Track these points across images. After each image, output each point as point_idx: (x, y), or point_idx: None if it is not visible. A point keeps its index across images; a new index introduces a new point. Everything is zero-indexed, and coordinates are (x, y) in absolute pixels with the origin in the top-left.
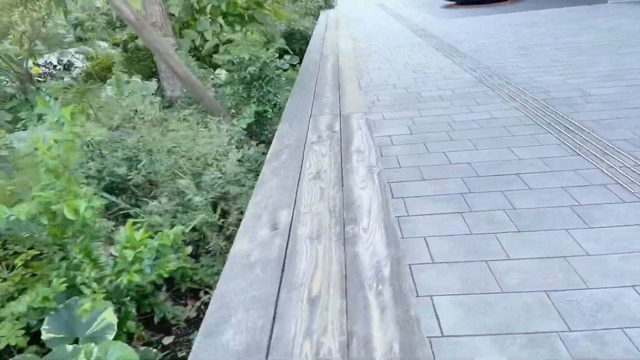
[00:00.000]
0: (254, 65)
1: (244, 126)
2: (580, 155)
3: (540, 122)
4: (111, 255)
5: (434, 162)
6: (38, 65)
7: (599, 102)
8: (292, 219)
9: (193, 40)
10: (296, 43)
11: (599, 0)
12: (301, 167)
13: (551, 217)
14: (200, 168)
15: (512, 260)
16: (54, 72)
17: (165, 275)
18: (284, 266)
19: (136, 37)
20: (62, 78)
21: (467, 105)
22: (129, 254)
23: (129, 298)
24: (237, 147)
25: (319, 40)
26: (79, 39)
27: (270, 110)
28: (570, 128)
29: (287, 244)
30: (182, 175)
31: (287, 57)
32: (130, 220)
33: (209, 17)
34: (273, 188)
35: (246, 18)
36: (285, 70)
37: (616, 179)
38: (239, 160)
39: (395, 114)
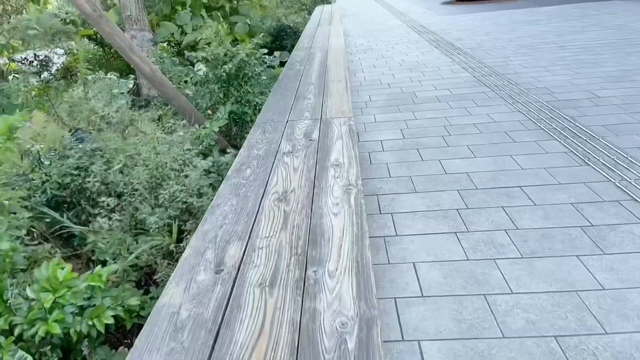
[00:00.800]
0: (230, 63)
1: (216, 129)
2: (589, 165)
3: (545, 127)
4: (27, 298)
5: (427, 172)
6: (14, 60)
7: (608, 104)
8: (242, 257)
9: (172, 34)
10: (287, 39)
11: None
12: (266, 185)
13: (560, 239)
14: (159, 180)
15: (515, 294)
16: (31, 68)
17: (100, 329)
18: (219, 331)
19: None
20: (39, 74)
21: (465, 107)
22: (47, 300)
23: (49, 347)
24: (204, 154)
25: (309, 36)
26: (56, 34)
27: (250, 112)
28: (578, 134)
29: (230, 294)
30: (139, 188)
31: (277, 53)
32: (55, 260)
33: (189, 10)
34: (228, 213)
35: (228, 11)
36: (273, 68)
37: (631, 193)
38: (206, 170)
39: (387, 116)
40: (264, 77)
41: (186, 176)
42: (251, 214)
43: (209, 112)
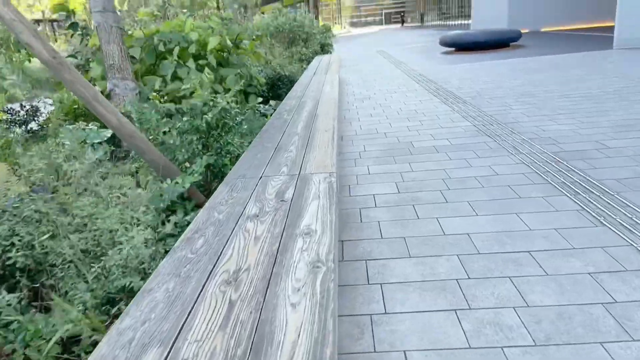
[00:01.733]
0: (211, 112)
1: (187, 185)
2: (606, 225)
3: (553, 181)
4: None
5: (424, 232)
6: (3, 111)
7: (620, 156)
8: None
9: (154, 85)
10: (283, 88)
11: (604, 47)
12: (217, 261)
13: (579, 321)
14: (99, 249)
15: None
16: (18, 118)
17: None
18: None
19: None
20: (25, 124)
21: (465, 158)
22: None
23: None
24: (173, 210)
25: (302, 85)
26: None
27: (230, 164)
28: (590, 189)
29: None
30: (74, 260)
31: (273, 102)
32: None
33: (176, 60)
34: (159, 302)
35: (216, 60)
36: (267, 117)
37: None
38: (168, 236)
39: (382, 168)
40: (246, 127)
41: (133, 247)
42: (187, 303)
43: (187, 165)
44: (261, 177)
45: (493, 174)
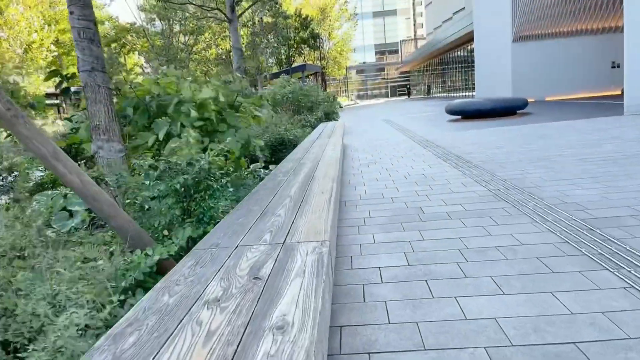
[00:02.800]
0: (188, 173)
1: (154, 260)
2: None
3: (588, 252)
4: None
5: (440, 315)
6: None
7: None
8: None
9: (147, 143)
10: (285, 152)
11: (614, 113)
12: None
13: None
14: (30, 340)
15: None
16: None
17: None
18: None
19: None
20: (8, 192)
21: (483, 225)
22: None
23: None
24: (146, 288)
25: (304, 148)
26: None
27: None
28: (634, 261)
29: None
30: None
31: (273, 167)
32: None
33: (168, 120)
34: None
35: (216, 123)
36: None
37: None
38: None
39: (389, 236)
40: (231, 189)
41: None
42: None
43: (166, 232)
44: (237, 247)
45: (517, 244)
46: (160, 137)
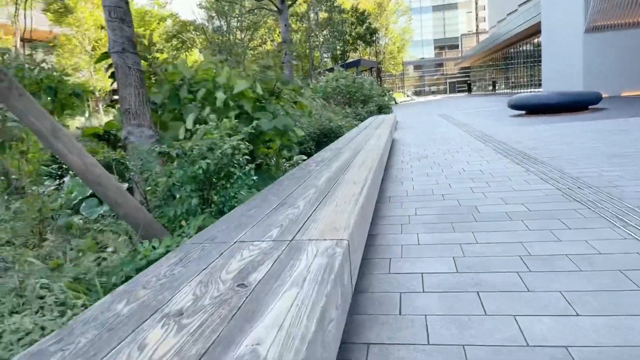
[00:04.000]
0: (209, 158)
1: (160, 251)
2: None
3: None
4: None
5: (495, 339)
6: None
7: None
8: None
9: (177, 133)
10: (329, 143)
11: None
12: None
13: None
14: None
15: None
16: None
17: None
18: None
19: None
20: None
21: (550, 229)
22: None
23: None
24: None
25: (347, 138)
26: None
27: None
28: None
29: None
30: None
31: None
32: None
33: (200, 104)
34: None
35: (252, 110)
36: None
37: None
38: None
39: (436, 237)
40: (255, 178)
41: None
42: None
43: (183, 223)
44: (234, 243)
45: (594, 252)
46: (189, 124)
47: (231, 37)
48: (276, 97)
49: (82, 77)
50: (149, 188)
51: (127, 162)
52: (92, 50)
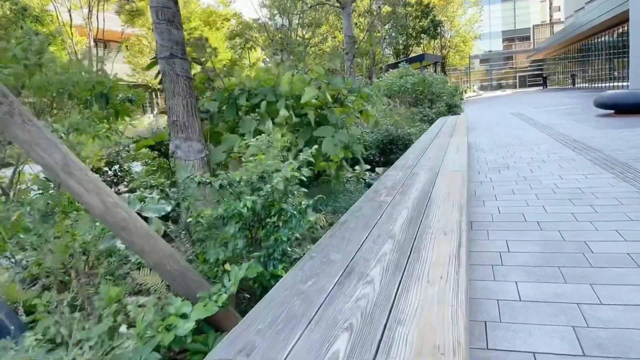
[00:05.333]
0: (257, 194)
1: (190, 326)
2: None
3: None
4: None
5: None
6: None
7: None
8: None
9: (232, 146)
10: (397, 152)
11: None
12: None
13: None
14: None
15: None
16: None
17: None
18: None
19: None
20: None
21: None
22: None
23: None
24: None
25: (418, 150)
26: None
27: (284, 273)
28: None
29: None
30: None
31: (380, 170)
32: None
33: (258, 117)
34: None
35: (314, 121)
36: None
37: None
38: None
39: (542, 290)
40: (313, 216)
41: None
42: None
43: (223, 269)
44: None
45: None
46: (248, 138)
47: (293, 34)
48: (341, 104)
49: (150, 76)
50: (190, 219)
51: (166, 188)
52: None
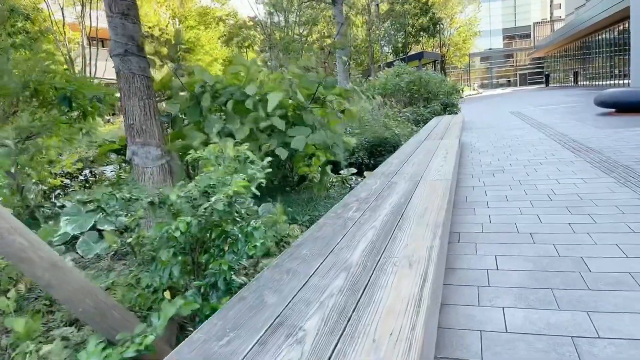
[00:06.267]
0: (195, 213)
1: None
2: None
3: None
4: None
5: None
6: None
7: None
8: None
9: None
10: (386, 155)
11: None
12: None
13: None
14: None
15: None
16: None
17: None
18: None
19: None
20: None
21: None
22: None
23: None
24: None
25: (404, 154)
26: None
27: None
28: None
29: None
30: None
31: (367, 174)
32: None
33: (222, 115)
34: None
35: (289, 122)
36: None
37: None
38: None
39: (531, 320)
40: (261, 240)
41: None
42: None
43: (168, 297)
44: None
45: None
46: (213, 137)
47: (290, 32)
48: (321, 104)
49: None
50: (131, 240)
51: (102, 204)
52: None
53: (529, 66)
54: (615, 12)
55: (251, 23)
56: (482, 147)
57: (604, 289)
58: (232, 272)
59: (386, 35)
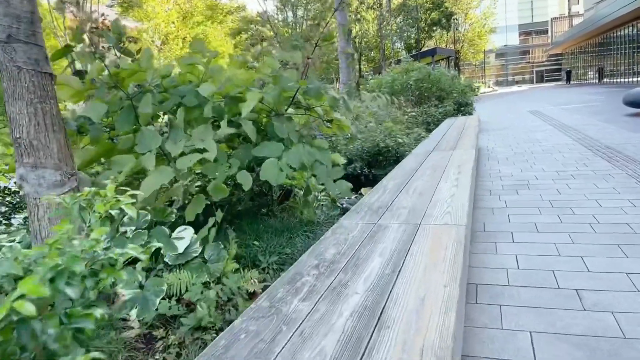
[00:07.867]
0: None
1: None
2: None
3: None
4: None
5: None
6: None
7: None
8: None
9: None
10: (387, 167)
11: None
12: None
13: None
14: None
15: None
16: None
17: None
18: None
19: None
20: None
21: None
22: None
23: None
24: None
25: (404, 170)
26: None
27: None
28: None
29: None
30: None
31: (364, 190)
32: None
33: (163, 126)
34: None
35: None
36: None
37: None
38: None
39: None
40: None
41: None
42: None
43: None
44: None
45: None
46: (148, 164)
47: (298, 27)
48: (305, 109)
49: None
50: None
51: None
52: (161, 45)
53: (545, 63)
54: (638, 8)
55: (259, 18)
56: (501, 153)
57: None
58: None
59: (398, 30)
